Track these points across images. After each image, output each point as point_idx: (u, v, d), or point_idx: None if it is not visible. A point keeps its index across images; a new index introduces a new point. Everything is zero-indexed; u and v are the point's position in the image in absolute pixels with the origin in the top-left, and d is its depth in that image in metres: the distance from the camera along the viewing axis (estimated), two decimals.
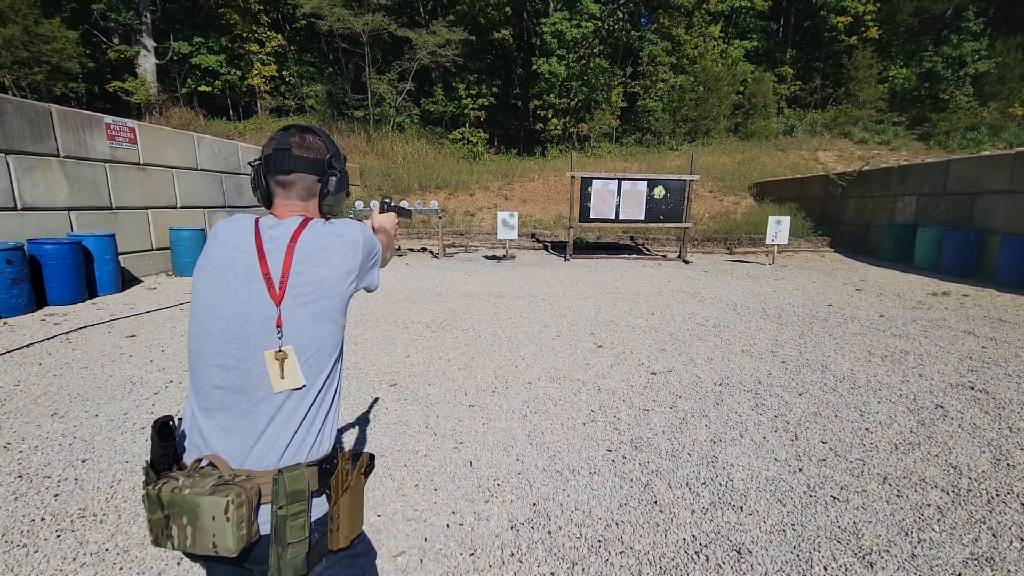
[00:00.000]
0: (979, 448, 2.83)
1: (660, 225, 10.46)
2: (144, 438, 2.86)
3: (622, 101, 24.26)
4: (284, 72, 23.72)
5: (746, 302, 6.59)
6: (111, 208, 7.06)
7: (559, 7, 22.62)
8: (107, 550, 1.99)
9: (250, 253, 0.99)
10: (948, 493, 2.41)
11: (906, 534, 2.12)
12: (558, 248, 11.81)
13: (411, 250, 11.83)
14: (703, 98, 22.84)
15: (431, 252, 11.33)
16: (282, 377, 0.96)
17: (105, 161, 6.95)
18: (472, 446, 2.85)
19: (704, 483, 2.49)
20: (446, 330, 5.17)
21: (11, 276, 5.18)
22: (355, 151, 19.52)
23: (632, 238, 12.43)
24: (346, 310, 1.07)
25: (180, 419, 1.04)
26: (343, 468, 1.01)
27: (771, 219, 9.73)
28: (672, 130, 23.05)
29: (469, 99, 23.41)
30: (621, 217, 10.34)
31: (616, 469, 2.61)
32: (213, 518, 0.86)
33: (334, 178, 1.11)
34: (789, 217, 9.86)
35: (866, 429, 3.06)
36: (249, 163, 1.16)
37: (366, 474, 1.08)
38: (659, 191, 10.21)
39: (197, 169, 8.79)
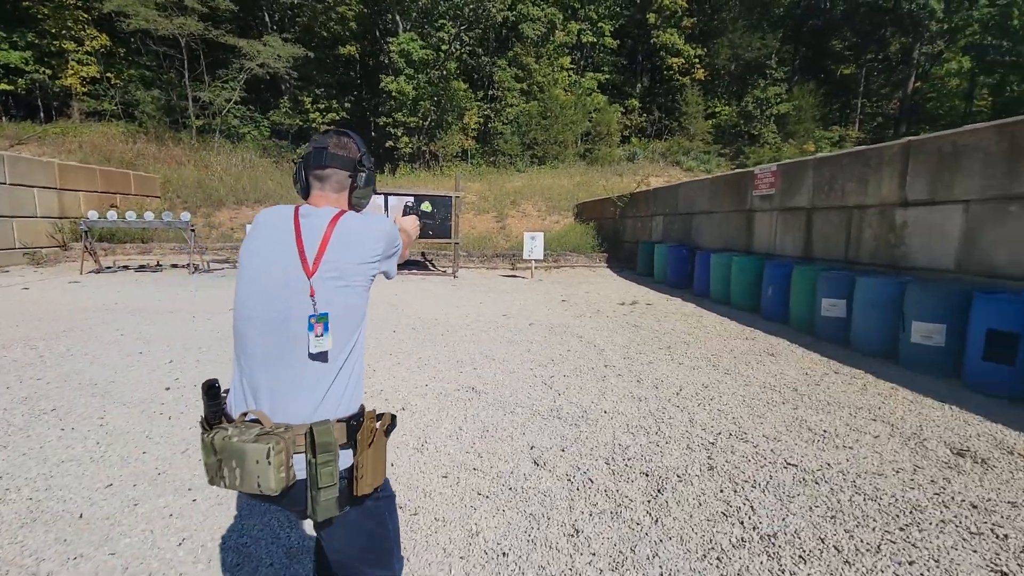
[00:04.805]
0: None
1: (430, 241, 10.48)
2: None
3: (477, 123, 24.83)
4: (109, 73, 21.71)
5: (424, 314, 6.57)
6: None
7: (407, 28, 22.81)
8: None
9: (288, 233, 1.16)
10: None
11: None
12: None
13: (174, 266, 10.94)
14: (550, 124, 23.98)
15: (195, 267, 10.53)
16: (318, 336, 1.10)
17: None
18: None
19: None
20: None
21: None
22: (172, 162, 18.11)
23: (423, 254, 12.42)
24: (368, 288, 1.22)
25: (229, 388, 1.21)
26: (368, 426, 1.15)
27: (526, 235, 10.08)
28: (520, 153, 23.88)
29: (317, 113, 22.77)
30: None
31: None
32: (257, 462, 1.01)
33: (363, 174, 1.30)
34: (542, 233, 10.27)
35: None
36: (292, 160, 1.00)
37: (388, 432, 1.23)
38: (426, 206, 10.26)
39: None
